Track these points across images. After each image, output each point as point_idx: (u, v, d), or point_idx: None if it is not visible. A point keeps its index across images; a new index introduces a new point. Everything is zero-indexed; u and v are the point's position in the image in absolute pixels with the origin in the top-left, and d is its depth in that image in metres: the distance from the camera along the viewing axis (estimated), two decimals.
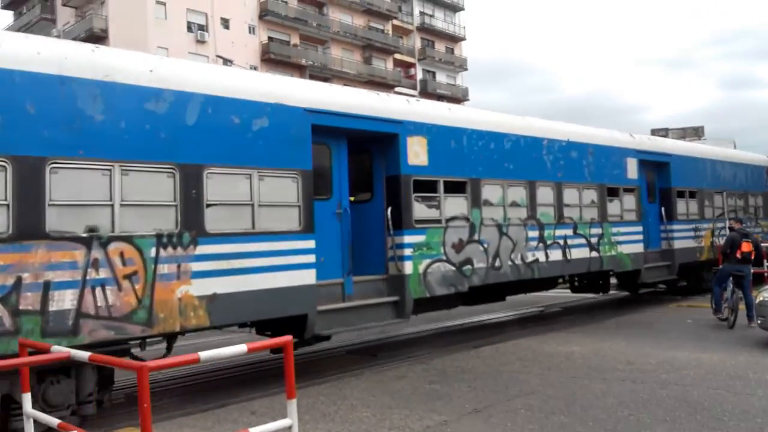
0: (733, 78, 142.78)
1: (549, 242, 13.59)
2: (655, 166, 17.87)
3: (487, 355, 11.22)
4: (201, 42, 44.46)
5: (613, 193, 15.79)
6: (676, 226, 17.98)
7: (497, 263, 12.39)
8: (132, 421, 7.59)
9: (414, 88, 55.92)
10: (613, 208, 15.73)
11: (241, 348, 5.04)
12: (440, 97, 54.75)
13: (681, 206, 18.37)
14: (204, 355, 4.78)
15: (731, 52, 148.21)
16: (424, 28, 63.38)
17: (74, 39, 28.50)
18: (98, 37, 41.64)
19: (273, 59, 47.79)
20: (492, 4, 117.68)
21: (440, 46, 65.58)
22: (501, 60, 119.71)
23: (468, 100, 63.32)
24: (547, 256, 13.52)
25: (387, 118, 10.96)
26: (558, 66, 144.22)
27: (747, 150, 29.19)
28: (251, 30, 48.62)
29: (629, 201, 16.42)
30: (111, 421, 8.08)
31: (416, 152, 11.22)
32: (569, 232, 14.17)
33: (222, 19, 46.20)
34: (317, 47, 53.40)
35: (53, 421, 5.48)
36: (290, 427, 5.04)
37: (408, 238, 10.99)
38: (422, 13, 63.42)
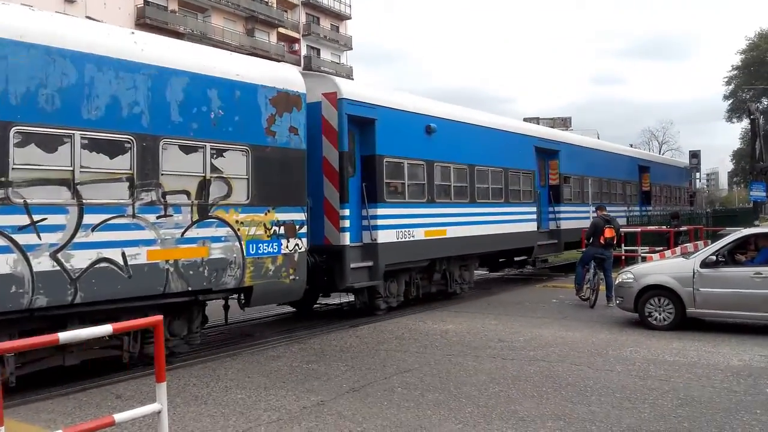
0: (603, 75, 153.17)
1: None
2: None
3: (365, 334, 11.29)
4: (70, 2, 41.40)
5: None
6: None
7: None
8: None
9: (298, 64, 55.14)
10: None
11: (106, 329, 4.72)
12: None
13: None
14: (64, 336, 4.42)
15: (603, 50, 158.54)
16: (309, 4, 62.39)
17: None
18: None
19: (149, 24, 45.33)
20: None
21: (325, 23, 64.91)
22: (383, 43, 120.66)
23: (353, 79, 63.24)
24: None
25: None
26: (438, 55, 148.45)
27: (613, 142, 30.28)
28: None
29: None
30: None
31: None
32: None
33: None
34: (197, 15, 51.25)
35: None
36: (159, 412, 4.77)
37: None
38: None
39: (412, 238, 13.67)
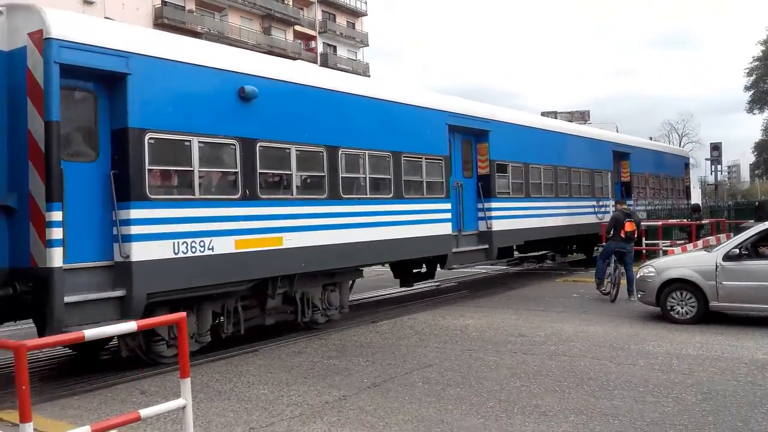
0: (620, 68, 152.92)
1: None
2: None
3: (385, 329, 11.32)
4: (88, 3, 41.83)
5: None
6: None
7: None
8: (10, 403, 7.08)
9: (315, 61, 55.27)
10: None
11: (131, 325, 4.79)
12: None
13: None
14: (89, 333, 4.49)
15: (619, 43, 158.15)
16: (325, 1, 62.57)
17: None
18: None
19: (166, 24, 45.72)
20: None
21: (342, 20, 65.04)
22: (400, 39, 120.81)
23: (369, 76, 63.25)
24: None
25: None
26: (458, 52, 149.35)
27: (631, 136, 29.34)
28: None
29: None
30: None
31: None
32: None
33: None
34: (214, 14, 51.64)
35: None
36: (184, 408, 4.83)
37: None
38: None
39: (209, 252, 9.28)
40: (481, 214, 15.74)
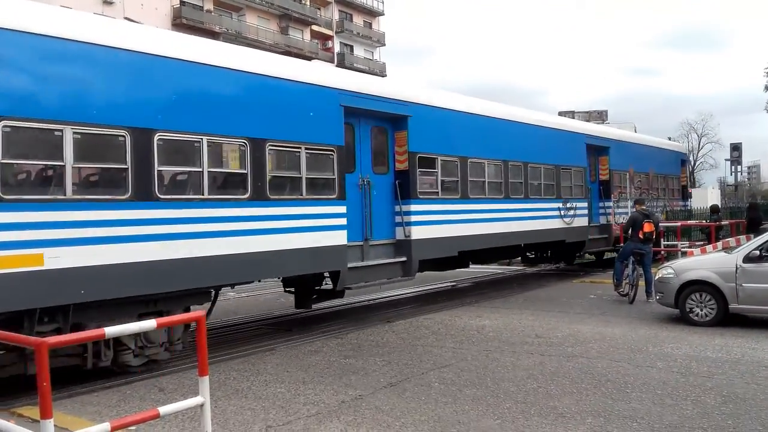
0: (639, 67, 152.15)
1: None
2: None
3: (401, 329, 11.32)
4: (108, 3, 42.18)
5: None
6: None
7: None
8: (31, 399, 7.17)
9: (332, 61, 55.38)
10: None
11: (150, 323, 4.81)
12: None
13: None
14: (110, 330, 4.53)
15: (637, 41, 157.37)
16: (342, 1, 62.59)
17: None
18: None
19: (185, 24, 46.02)
20: None
21: (358, 20, 65.07)
22: (416, 39, 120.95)
23: (386, 75, 63.29)
24: None
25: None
26: (471, 51, 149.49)
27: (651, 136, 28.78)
28: None
29: None
30: (9, 400, 7.61)
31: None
32: None
33: None
34: (232, 14, 51.88)
35: None
36: (202, 405, 4.86)
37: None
38: None
39: None
40: (398, 219, 12.79)
